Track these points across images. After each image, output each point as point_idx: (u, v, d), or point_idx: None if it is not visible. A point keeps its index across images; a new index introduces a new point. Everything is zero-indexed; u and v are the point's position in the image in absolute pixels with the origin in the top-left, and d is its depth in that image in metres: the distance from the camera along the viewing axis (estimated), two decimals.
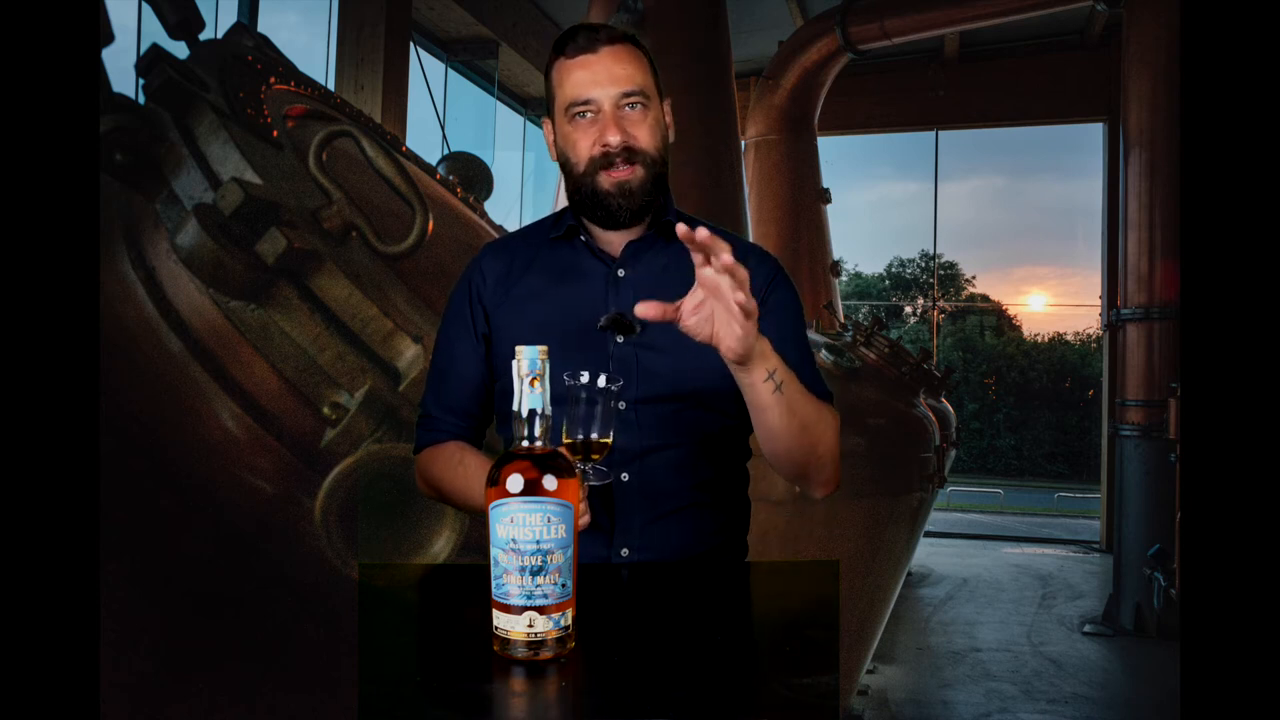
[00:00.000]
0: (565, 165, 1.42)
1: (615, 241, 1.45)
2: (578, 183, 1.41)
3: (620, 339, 1.38)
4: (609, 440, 1.21)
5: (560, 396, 1.16)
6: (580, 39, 1.38)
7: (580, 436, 1.19)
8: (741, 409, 1.47)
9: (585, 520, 1.18)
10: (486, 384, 1.47)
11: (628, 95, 1.37)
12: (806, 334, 1.54)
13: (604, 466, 1.25)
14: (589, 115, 1.38)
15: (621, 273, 1.43)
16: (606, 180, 1.38)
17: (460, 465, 1.39)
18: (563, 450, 1.17)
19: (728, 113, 5.24)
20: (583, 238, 1.45)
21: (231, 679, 2.07)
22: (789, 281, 1.52)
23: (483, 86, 9.83)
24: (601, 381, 1.19)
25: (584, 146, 1.38)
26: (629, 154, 1.37)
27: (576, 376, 1.18)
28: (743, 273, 1.12)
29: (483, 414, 1.49)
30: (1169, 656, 6.39)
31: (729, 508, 1.49)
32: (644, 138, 1.38)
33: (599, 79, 1.36)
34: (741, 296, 1.12)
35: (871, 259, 33.24)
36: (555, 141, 1.44)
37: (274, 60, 2.77)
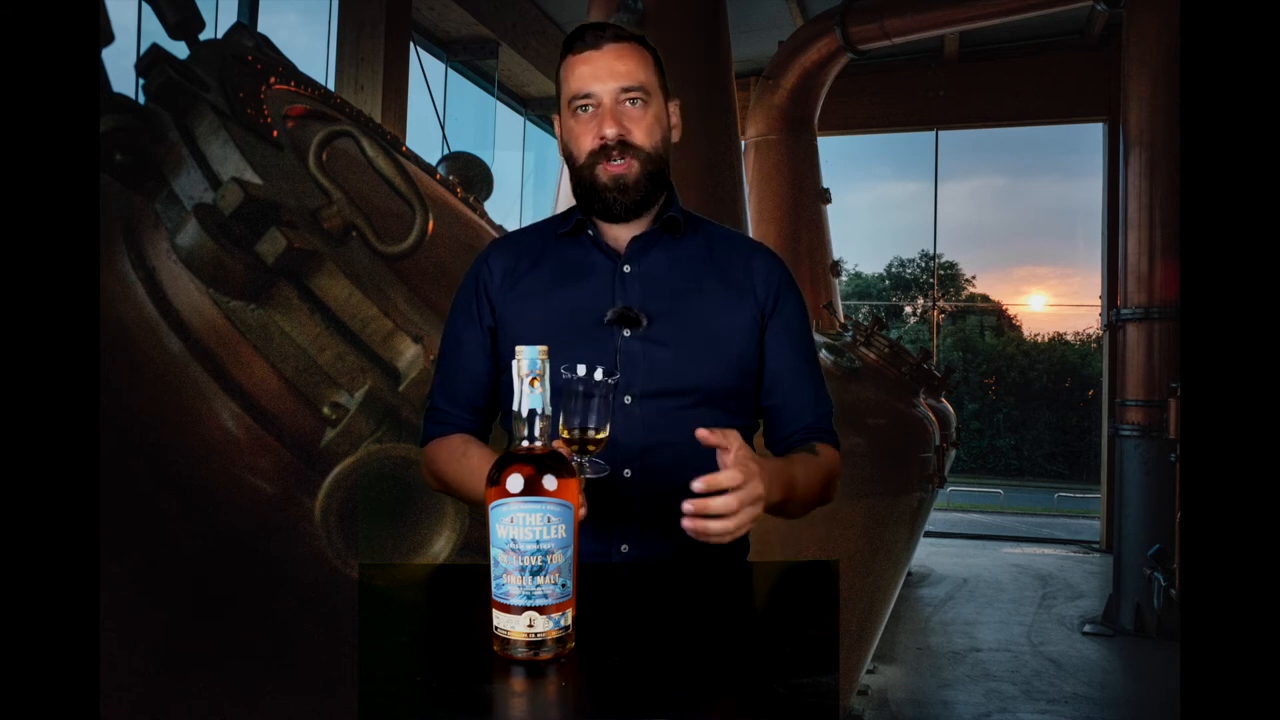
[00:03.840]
0: (568, 158, 1.48)
1: (621, 237, 1.48)
2: (578, 175, 1.46)
3: (627, 333, 1.41)
4: (605, 434, 1.20)
5: (557, 389, 1.17)
6: (588, 36, 1.44)
7: (576, 429, 1.19)
8: (747, 407, 1.49)
9: (582, 514, 1.18)
10: (492, 378, 1.50)
11: (627, 90, 1.42)
12: (814, 344, 1.56)
13: (601, 459, 1.24)
14: (590, 109, 1.44)
15: (627, 268, 1.46)
16: (603, 174, 1.43)
17: (464, 458, 1.42)
18: (559, 443, 1.18)
19: (728, 113, 5.23)
20: (590, 232, 1.48)
21: (231, 679, 2.07)
22: (796, 290, 1.54)
23: (483, 86, 9.82)
24: (598, 375, 1.18)
25: (585, 140, 1.44)
26: (624, 148, 1.42)
27: (573, 369, 1.18)
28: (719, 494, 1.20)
29: (489, 408, 1.52)
30: (1169, 656, 6.39)
31: None
32: (640, 133, 1.43)
33: (599, 74, 1.42)
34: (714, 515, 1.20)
35: (871, 259, 33.32)
36: (561, 136, 1.50)
37: (274, 60, 2.76)
